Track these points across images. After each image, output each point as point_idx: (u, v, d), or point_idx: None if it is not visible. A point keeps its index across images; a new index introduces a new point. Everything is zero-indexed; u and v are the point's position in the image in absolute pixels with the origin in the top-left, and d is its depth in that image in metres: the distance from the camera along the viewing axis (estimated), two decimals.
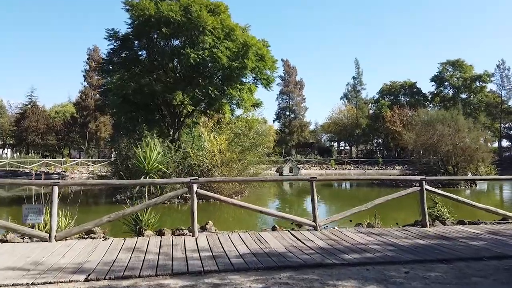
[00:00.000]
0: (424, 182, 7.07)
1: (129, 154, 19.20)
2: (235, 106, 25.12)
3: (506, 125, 63.58)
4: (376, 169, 54.88)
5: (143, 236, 6.53)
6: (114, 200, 17.93)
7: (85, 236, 6.66)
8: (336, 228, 6.94)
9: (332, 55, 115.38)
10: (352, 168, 55.30)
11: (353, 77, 65.95)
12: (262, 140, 22.14)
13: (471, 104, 59.64)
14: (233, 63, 20.34)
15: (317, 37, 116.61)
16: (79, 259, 4.95)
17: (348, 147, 72.93)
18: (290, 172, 39.77)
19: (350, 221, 8.28)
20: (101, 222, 6.24)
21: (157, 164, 8.58)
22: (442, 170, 29.00)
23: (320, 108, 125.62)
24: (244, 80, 23.69)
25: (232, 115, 25.10)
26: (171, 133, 23.63)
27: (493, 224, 7.65)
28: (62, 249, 5.50)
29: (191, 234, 6.45)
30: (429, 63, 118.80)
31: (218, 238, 6.17)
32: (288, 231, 6.68)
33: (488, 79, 60.52)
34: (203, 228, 7.42)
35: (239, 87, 22.41)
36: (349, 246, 5.58)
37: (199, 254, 5.13)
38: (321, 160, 56.84)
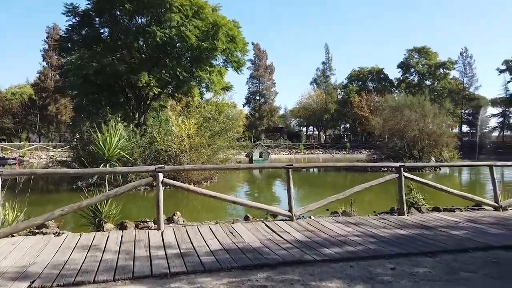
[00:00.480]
0: (402, 169, 6.81)
1: (90, 139, 18.11)
2: (204, 89, 24.29)
3: (466, 111, 66.19)
4: (344, 153, 55.74)
5: (103, 230, 5.88)
6: (75, 187, 16.92)
7: (36, 231, 5.91)
8: (312, 218, 6.58)
9: (302, 40, 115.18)
10: (321, 152, 55.87)
11: (323, 62, 66.21)
12: (232, 124, 21.57)
13: (435, 90, 61.40)
14: (202, 43, 19.42)
15: (287, 21, 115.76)
16: (24, 261, 4.27)
17: (316, 132, 73.61)
18: (260, 157, 39.52)
19: (327, 210, 7.97)
20: (52, 216, 5.52)
21: (118, 151, 7.83)
22: (408, 155, 29.69)
23: (290, 93, 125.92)
24: (214, 62, 22.85)
25: (202, 98, 24.27)
26: (136, 116, 22.51)
27: (468, 210, 7.57)
28: (6, 247, 4.78)
29: (156, 227, 5.87)
30: (397, 49, 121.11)
31: (187, 232, 5.64)
32: (263, 222, 6.24)
33: (451, 66, 62.42)
34: (170, 220, 6.85)
35: (208, 69, 21.56)
36: (328, 238, 5.21)
37: (165, 252, 4.58)
38: (291, 145, 57.01)
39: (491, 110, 67.06)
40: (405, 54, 64.56)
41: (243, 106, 65.96)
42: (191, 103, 21.37)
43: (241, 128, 45.74)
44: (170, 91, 24.08)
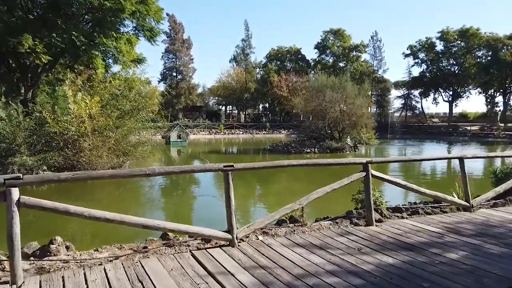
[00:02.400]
0: (369, 165, 5.28)
1: None
2: (111, 60, 20.76)
3: (375, 93, 70.36)
4: (264, 133, 55.37)
5: None
6: None
7: None
8: (260, 238, 4.72)
9: (221, 16, 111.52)
10: (241, 132, 54.69)
11: (243, 40, 64.29)
12: (146, 103, 18.69)
13: (348, 72, 63.84)
14: (105, 2, 15.97)
15: None
16: None
17: (236, 111, 72.24)
18: (178, 139, 36.73)
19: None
20: None
21: None
22: (329, 136, 29.70)
23: (209, 70, 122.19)
24: (122, 29, 19.43)
25: (108, 71, 20.72)
26: (22, 91, 18.29)
27: (433, 211, 6.42)
28: None
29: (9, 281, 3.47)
30: (315, 30, 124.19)
31: (63, 284, 3.38)
32: (190, 252, 4.21)
33: (363, 49, 65.15)
34: (43, 253, 4.43)
35: (115, 35, 18.14)
36: (292, 282, 3.41)
37: None
38: (210, 124, 54.72)
39: (394, 92, 72.47)
40: (321, 36, 65.68)
41: (159, 83, 61.52)
42: (93, 76, 17.88)
43: (156, 107, 42.19)
44: (68, 62, 20.06)
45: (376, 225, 5.31)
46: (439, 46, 61.40)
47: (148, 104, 18.98)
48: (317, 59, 66.60)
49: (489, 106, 63.95)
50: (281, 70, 61.78)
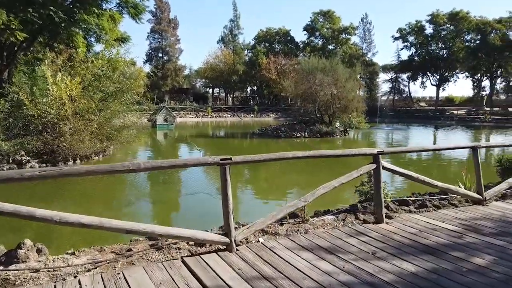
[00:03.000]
0: (380, 157, 4.75)
1: None
2: (93, 39, 19.64)
3: (363, 76, 69.94)
4: (252, 116, 54.74)
5: None
6: None
7: None
8: (261, 240, 4.19)
9: None
10: (229, 116, 53.95)
11: (231, 20, 62.78)
12: (131, 84, 17.79)
13: (338, 54, 63.08)
14: None
15: None
16: None
17: (224, 94, 71.10)
18: (165, 122, 35.82)
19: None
20: None
21: None
22: (320, 119, 29.26)
23: (196, 51, 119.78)
24: (104, 5, 18.28)
25: (89, 51, 19.63)
26: None
27: (437, 202, 5.97)
28: None
29: None
30: (304, 12, 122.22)
31: None
32: (182, 259, 3.64)
33: (353, 31, 64.31)
34: (10, 259, 3.80)
35: (97, 11, 17.02)
36: None
37: None
38: (197, 107, 53.70)
39: (382, 76, 72.24)
40: (311, 17, 64.54)
41: (144, 64, 59.79)
42: (74, 56, 16.85)
43: (141, 89, 40.97)
44: (47, 40, 18.88)
45: (387, 222, 4.82)
46: (429, 30, 61.10)
47: (133, 85, 18.08)
48: (306, 41, 65.57)
49: (475, 91, 64.32)
50: (269, 52, 60.73)
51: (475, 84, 63.33)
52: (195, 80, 74.94)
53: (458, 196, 6.09)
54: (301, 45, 66.38)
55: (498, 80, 61.97)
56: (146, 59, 60.91)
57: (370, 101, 60.25)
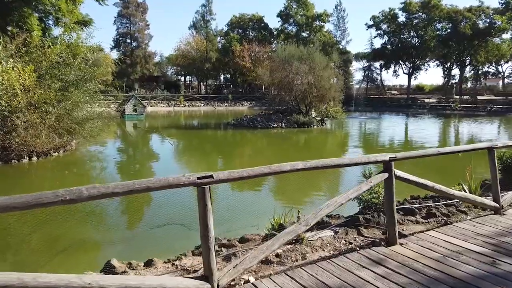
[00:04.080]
0: (393, 164, 3.88)
1: None
2: (51, 22, 17.79)
3: (338, 64, 69.73)
4: (226, 105, 53.49)
5: None
6: None
7: None
8: (250, 280, 3.23)
9: None
10: (202, 105, 52.42)
11: (203, 5, 60.63)
12: (95, 72, 16.26)
13: (312, 42, 62.41)
14: None
15: None
16: None
17: (196, 82, 69.17)
18: (134, 112, 34.05)
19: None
20: None
21: None
22: (297, 109, 28.48)
23: (167, 38, 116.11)
24: None
25: (47, 35, 17.80)
26: None
27: (444, 210, 5.22)
28: None
29: None
30: None
31: None
32: None
33: (326, 19, 63.67)
34: None
35: None
36: None
37: None
38: (169, 96, 51.76)
39: (355, 64, 72.41)
40: (284, 4, 63.29)
41: (111, 50, 56.98)
42: (29, 40, 15.13)
43: (109, 77, 38.81)
44: None
45: (401, 244, 3.97)
46: (402, 18, 61.23)
47: (97, 73, 16.56)
48: (280, 28, 64.42)
49: (446, 79, 65.52)
50: (243, 39, 59.27)
51: (445, 72, 64.47)
52: (167, 68, 72.54)
53: (468, 203, 5.36)
54: (275, 32, 65.22)
55: (467, 69, 63.31)
56: (113, 45, 58.11)
57: (345, 90, 60.22)
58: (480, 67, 63.59)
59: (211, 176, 2.85)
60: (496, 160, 4.93)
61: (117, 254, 4.87)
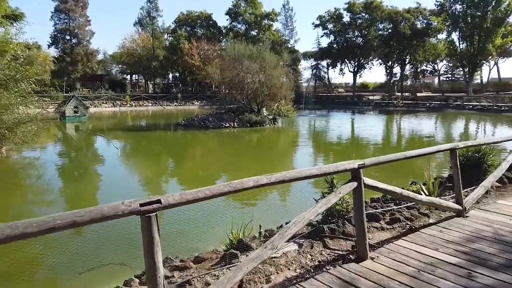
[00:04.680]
0: (361, 171, 3.57)
1: None
2: None
3: (286, 63, 70.59)
4: (175, 105, 52.03)
5: None
6: None
7: None
8: None
9: None
10: (150, 104, 50.51)
11: (148, 1, 58.27)
12: (27, 71, 14.75)
13: (261, 41, 62.52)
14: None
15: None
16: None
17: (143, 81, 66.61)
18: (75, 113, 31.82)
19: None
20: None
21: None
22: (248, 108, 28.16)
23: (111, 34, 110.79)
24: None
25: None
26: None
27: (406, 213, 5.08)
28: None
29: None
30: None
31: None
32: None
33: (275, 17, 64.09)
34: None
35: None
36: None
37: None
38: (114, 95, 49.24)
39: (304, 63, 73.85)
40: (233, 1, 62.79)
41: (49, 47, 53.04)
42: None
43: (46, 76, 35.99)
44: None
45: (372, 258, 3.68)
46: (346, 18, 63.20)
47: (30, 72, 15.03)
48: (229, 27, 63.86)
49: (388, 77, 68.69)
50: (192, 37, 57.94)
51: (388, 71, 67.57)
52: (111, 66, 69.08)
53: (425, 205, 5.25)
54: (224, 30, 64.57)
55: (407, 67, 66.83)
56: (51, 42, 54.10)
57: (295, 88, 61.04)
58: (419, 66, 67.44)
59: (159, 201, 2.32)
60: (458, 160, 4.83)
61: None
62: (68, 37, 54.68)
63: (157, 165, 15.16)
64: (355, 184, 3.58)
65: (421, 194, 6.22)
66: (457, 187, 4.82)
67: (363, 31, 62.17)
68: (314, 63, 72.29)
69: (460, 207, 4.77)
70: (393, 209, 5.51)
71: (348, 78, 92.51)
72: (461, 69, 58.05)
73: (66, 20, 53.99)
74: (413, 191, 5.81)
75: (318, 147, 20.53)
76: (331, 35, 65.82)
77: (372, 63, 68.10)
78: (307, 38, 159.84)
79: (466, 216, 4.86)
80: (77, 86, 53.43)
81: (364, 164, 3.63)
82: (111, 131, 25.41)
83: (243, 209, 7.81)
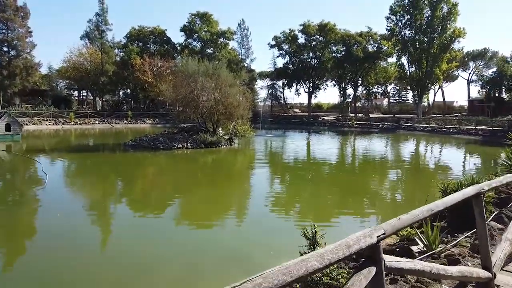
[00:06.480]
0: (381, 246, 2.15)
1: None
2: None
3: (243, 82, 69.93)
4: (125, 123, 49.10)
5: None
6: None
7: None
8: None
9: None
10: (97, 122, 47.21)
11: (97, 14, 55.29)
12: None
13: (217, 59, 61.41)
14: None
15: None
16: None
17: (91, 97, 62.71)
18: (7, 131, 28.36)
19: None
20: None
21: None
22: (203, 128, 26.48)
23: (55, 47, 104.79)
24: None
25: None
26: None
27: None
28: None
29: None
30: (180, 11, 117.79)
31: None
32: None
33: (231, 36, 63.50)
34: None
35: None
36: None
37: None
38: (57, 112, 45.43)
39: (260, 82, 73.79)
40: (188, 18, 61.54)
41: None
42: None
43: None
44: None
45: None
46: (301, 39, 63.95)
47: None
48: (184, 44, 62.32)
49: (342, 98, 70.03)
50: (144, 53, 55.61)
51: (341, 92, 68.90)
52: (57, 81, 64.45)
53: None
54: (179, 47, 62.87)
55: (360, 89, 68.59)
56: None
57: (252, 108, 60.18)
58: (371, 87, 69.50)
59: None
60: (484, 208, 3.56)
61: None
62: (5, 49, 50.14)
63: (88, 197, 12.95)
64: (372, 270, 2.13)
65: (419, 244, 4.96)
66: (484, 247, 3.55)
67: (318, 53, 63.12)
68: (270, 82, 72.32)
69: (489, 275, 3.48)
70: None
71: (303, 98, 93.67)
72: (409, 91, 60.48)
73: (3, 31, 49.58)
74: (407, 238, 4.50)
75: (275, 170, 19.31)
76: (287, 55, 66.25)
77: (326, 84, 69.28)
78: (263, 58, 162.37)
79: (497, 286, 3.58)
80: (16, 102, 48.88)
81: (384, 233, 2.21)
82: (50, 152, 22.59)
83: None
